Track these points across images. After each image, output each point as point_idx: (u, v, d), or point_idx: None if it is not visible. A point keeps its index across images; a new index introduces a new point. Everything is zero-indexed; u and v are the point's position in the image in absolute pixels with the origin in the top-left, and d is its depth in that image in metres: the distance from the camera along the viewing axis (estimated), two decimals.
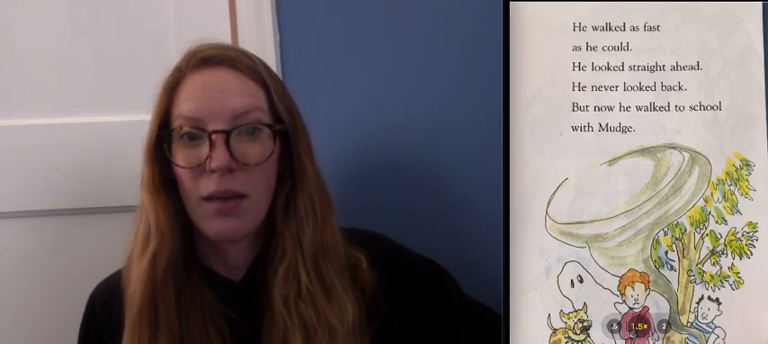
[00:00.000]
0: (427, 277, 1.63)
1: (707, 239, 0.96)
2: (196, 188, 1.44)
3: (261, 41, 1.83)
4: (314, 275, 1.49)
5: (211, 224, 1.45)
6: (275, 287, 1.49)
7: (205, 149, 1.43)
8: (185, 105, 1.44)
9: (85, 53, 1.92)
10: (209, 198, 1.44)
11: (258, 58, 1.54)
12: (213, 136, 1.42)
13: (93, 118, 1.92)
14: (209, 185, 1.43)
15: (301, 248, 1.49)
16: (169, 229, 1.47)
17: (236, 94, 1.46)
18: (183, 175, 1.45)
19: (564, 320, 0.90)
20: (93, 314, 1.61)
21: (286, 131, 1.50)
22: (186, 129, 1.43)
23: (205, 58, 1.48)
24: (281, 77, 1.84)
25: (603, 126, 0.86)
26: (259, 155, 1.46)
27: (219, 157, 1.41)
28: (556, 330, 0.90)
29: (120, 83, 1.91)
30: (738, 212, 0.98)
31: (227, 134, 1.42)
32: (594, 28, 0.86)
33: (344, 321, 1.47)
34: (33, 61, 1.92)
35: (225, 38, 1.84)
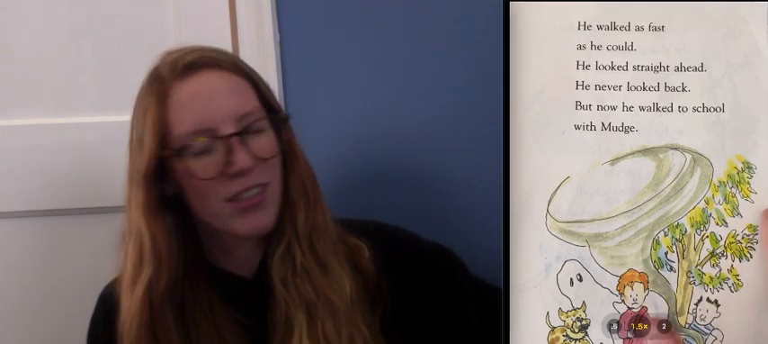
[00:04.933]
0: (432, 258, 1.65)
1: (707, 241, 0.96)
2: (218, 192, 1.43)
3: (261, 41, 1.83)
4: (309, 253, 1.50)
5: (241, 222, 1.45)
6: (273, 270, 1.49)
7: (218, 155, 1.42)
8: (190, 118, 1.42)
9: (85, 53, 1.92)
10: (234, 198, 1.43)
11: (232, 54, 1.55)
12: (231, 140, 1.42)
13: (93, 118, 1.92)
14: (234, 185, 1.43)
15: (296, 230, 1.50)
16: (167, 253, 1.45)
17: (233, 93, 1.46)
18: (201, 184, 1.43)
19: (562, 318, 0.90)
20: (103, 313, 1.59)
21: (285, 118, 1.52)
22: (203, 140, 1.41)
23: (188, 65, 1.45)
24: (280, 77, 1.85)
25: (606, 125, 0.86)
26: (272, 147, 1.47)
27: (242, 159, 1.41)
28: (554, 328, 0.90)
29: (120, 83, 1.91)
30: (739, 214, 0.98)
31: (241, 135, 1.42)
32: (599, 27, 0.86)
33: (343, 296, 1.49)
34: (33, 61, 1.92)
35: (225, 38, 1.84)
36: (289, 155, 1.52)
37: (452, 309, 1.61)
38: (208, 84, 1.45)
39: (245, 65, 1.53)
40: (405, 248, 1.63)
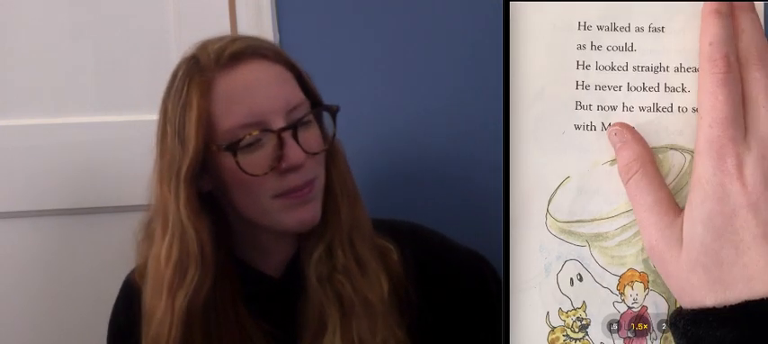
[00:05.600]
0: (466, 268, 1.62)
1: None
2: (267, 188, 1.40)
3: None
4: (350, 251, 1.47)
5: (291, 216, 1.42)
6: (311, 267, 1.46)
7: (269, 150, 1.39)
8: (239, 111, 1.38)
9: (85, 53, 1.92)
10: (284, 193, 1.40)
11: (275, 43, 1.51)
12: (283, 135, 1.38)
13: (93, 118, 1.93)
14: (285, 181, 1.40)
15: (338, 226, 1.47)
16: (211, 254, 1.42)
17: (281, 84, 1.42)
18: (249, 180, 1.39)
19: (563, 318, 0.90)
20: (127, 298, 1.58)
21: (336, 110, 1.48)
22: (255, 133, 1.37)
23: (233, 55, 1.40)
24: None
25: (606, 126, 0.86)
26: (320, 140, 1.45)
27: (295, 155, 1.38)
28: (554, 327, 0.90)
29: (120, 83, 1.92)
30: None
31: (294, 129, 1.39)
32: (599, 27, 0.86)
33: (381, 296, 1.46)
34: (33, 61, 1.92)
35: None
36: (331, 149, 1.49)
37: (484, 321, 1.56)
38: (255, 74, 1.41)
39: (288, 55, 1.49)
40: (438, 254, 1.61)
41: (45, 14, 1.91)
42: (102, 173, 1.91)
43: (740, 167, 0.77)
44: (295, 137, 1.39)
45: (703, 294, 0.78)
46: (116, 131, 1.89)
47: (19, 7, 1.91)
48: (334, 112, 1.47)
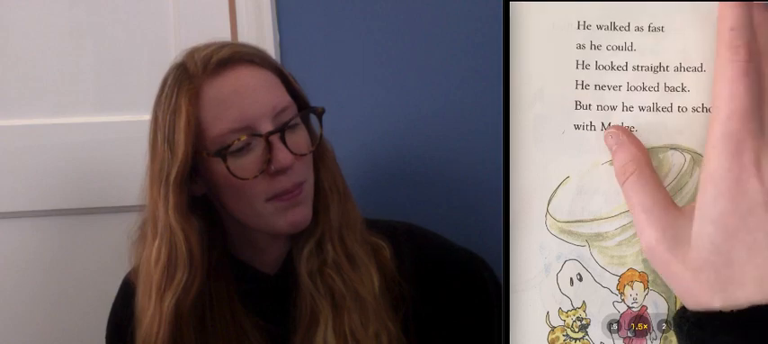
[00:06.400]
0: (463, 268, 1.62)
1: None
2: (259, 192, 1.41)
3: (261, 41, 1.83)
4: (340, 247, 1.48)
5: (283, 218, 1.44)
6: (302, 263, 1.48)
7: (257, 153, 1.40)
8: (227, 116, 1.39)
9: (85, 53, 1.92)
10: (275, 196, 1.42)
11: (261, 49, 1.52)
12: (271, 138, 1.39)
13: (93, 118, 1.92)
14: (275, 184, 1.41)
15: (327, 223, 1.49)
16: (200, 256, 1.43)
17: (268, 89, 1.43)
18: (240, 184, 1.40)
19: (563, 318, 0.90)
20: (125, 297, 1.58)
21: (322, 112, 1.49)
22: (243, 138, 1.38)
23: (221, 61, 1.41)
24: None
25: (606, 125, 0.86)
26: (307, 142, 1.46)
27: (284, 157, 1.39)
28: (554, 327, 0.90)
29: (120, 83, 1.92)
30: None
31: (281, 132, 1.40)
32: (599, 27, 0.85)
33: (371, 290, 1.47)
34: (33, 61, 1.92)
35: (225, 38, 1.83)
36: (319, 149, 1.51)
37: (480, 321, 1.57)
38: (243, 80, 1.41)
39: (274, 59, 1.51)
40: (434, 253, 1.61)
41: (45, 14, 1.91)
42: (102, 173, 1.91)
43: (758, 163, 0.74)
44: (283, 140, 1.40)
45: (710, 294, 0.76)
46: (116, 131, 1.89)
47: (19, 7, 1.91)
48: (319, 113, 1.48)
